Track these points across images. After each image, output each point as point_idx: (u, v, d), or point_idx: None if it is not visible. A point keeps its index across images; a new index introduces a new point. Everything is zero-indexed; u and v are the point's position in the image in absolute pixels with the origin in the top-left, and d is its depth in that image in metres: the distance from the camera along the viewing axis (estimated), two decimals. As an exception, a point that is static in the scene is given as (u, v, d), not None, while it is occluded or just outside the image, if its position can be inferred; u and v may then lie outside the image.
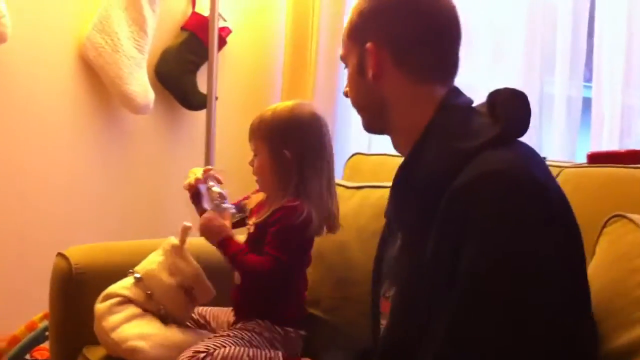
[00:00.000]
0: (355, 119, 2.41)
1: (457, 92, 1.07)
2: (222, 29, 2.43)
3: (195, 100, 2.46)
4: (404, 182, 1.04)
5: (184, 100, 2.46)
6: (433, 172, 0.97)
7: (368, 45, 1.05)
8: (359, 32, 1.08)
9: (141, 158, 2.44)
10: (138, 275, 1.56)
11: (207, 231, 1.50)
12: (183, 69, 2.44)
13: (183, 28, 2.46)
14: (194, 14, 2.47)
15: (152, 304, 1.53)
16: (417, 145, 1.02)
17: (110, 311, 1.49)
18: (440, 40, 1.05)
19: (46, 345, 1.95)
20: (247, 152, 2.51)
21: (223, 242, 1.48)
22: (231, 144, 2.50)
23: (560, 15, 2.32)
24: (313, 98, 2.45)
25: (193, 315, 1.62)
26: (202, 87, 2.43)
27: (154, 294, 1.53)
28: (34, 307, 2.00)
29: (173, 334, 1.50)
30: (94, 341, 1.56)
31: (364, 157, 2.02)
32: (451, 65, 1.07)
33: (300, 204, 1.49)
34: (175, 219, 2.40)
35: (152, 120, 2.44)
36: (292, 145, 1.50)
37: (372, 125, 1.13)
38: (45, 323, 1.90)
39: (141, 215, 2.43)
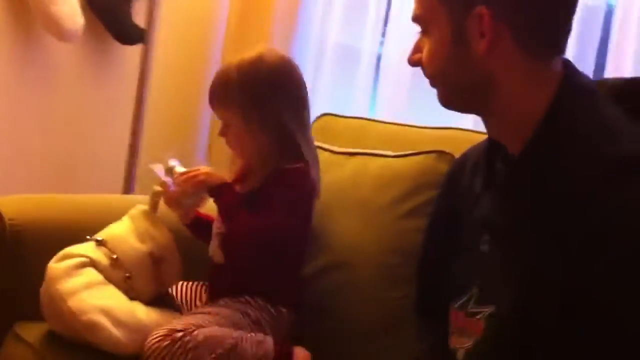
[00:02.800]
0: (324, 72, 2.32)
1: (574, 67, 0.96)
2: (164, -48, 2.21)
3: (130, 33, 2.23)
4: (526, 184, 0.93)
5: (117, 32, 2.22)
6: (581, 177, 0.86)
7: (480, 10, 0.91)
8: None
9: (63, 94, 2.19)
10: (100, 238, 1.38)
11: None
12: (119, -3, 2.20)
13: (121, -54, 2.21)
14: None
15: (117, 272, 1.36)
16: (540, 138, 0.92)
17: (68, 273, 1.30)
18: (565, 7, 0.94)
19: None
20: (182, 96, 2.39)
21: (221, 188, 1.37)
22: (166, 87, 2.31)
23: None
24: (270, 44, 2.28)
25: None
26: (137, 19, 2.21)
27: (120, 259, 1.37)
28: None
29: (140, 312, 1.33)
30: (28, 316, 1.38)
31: (336, 118, 1.89)
32: (568, 35, 0.96)
33: (304, 166, 1.39)
34: (99, 168, 2.24)
35: (78, 51, 2.19)
36: (272, 103, 1.39)
37: (461, 104, 1.01)
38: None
39: (59, 161, 2.19)
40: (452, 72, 0.97)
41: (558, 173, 0.89)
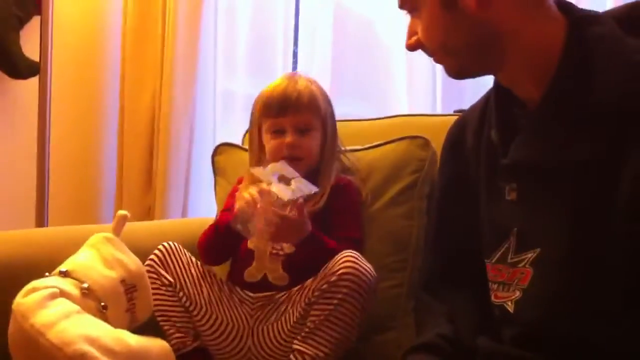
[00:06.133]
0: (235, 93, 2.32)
1: (569, 2, 1.02)
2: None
3: (21, 66, 2.13)
4: (565, 113, 0.96)
5: (7, 65, 2.12)
6: (626, 89, 0.91)
7: None
8: None
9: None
10: (64, 269, 1.30)
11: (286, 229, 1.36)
12: (6, 24, 2.10)
13: (3, -27, 2.14)
14: (16, -44, 2.16)
15: (90, 302, 1.29)
16: (567, 66, 0.96)
17: (40, 305, 1.21)
18: None
19: None
20: (85, 131, 2.29)
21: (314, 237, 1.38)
22: (64, 122, 2.22)
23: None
24: (172, 64, 2.27)
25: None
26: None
27: (92, 288, 1.29)
28: None
29: (129, 338, 1.26)
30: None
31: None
32: None
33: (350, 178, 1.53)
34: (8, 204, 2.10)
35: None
36: (333, 117, 1.57)
37: (474, 67, 1.04)
38: None
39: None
40: (454, 39, 1.01)
41: (597, 95, 0.93)
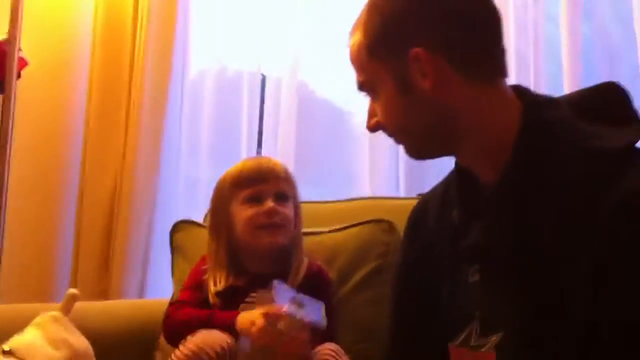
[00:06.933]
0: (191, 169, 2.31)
1: (526, 88, 1.04)
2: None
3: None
4: (520, 197, 0.96)
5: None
6: (576, 174, 0.91)
7: (414, 52, 0.97)
8: (392, 43, 1.00)
9: None
10: (7, 348, 1.25)
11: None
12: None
13: (-35, 52, 2.13)
14: (-19, 36, 2.16)
15: None
16: (521, 152, 0.96)
17: None
18: (494, 26, 1.01)
19: None
20: (43, 210, 2.24)
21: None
22: (21, 201, 2.21)
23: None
24: (135, 148, 2.28)
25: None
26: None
27: (37, 370, 1.23)
28: None
29: None
30: None
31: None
32: (503, 55, 1.02)
33: None
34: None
35: None
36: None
37: (433, 148, 1.05)
38: None
39: None
40: (411, 122, 1.02)
41: (550, 181, 0.94)
